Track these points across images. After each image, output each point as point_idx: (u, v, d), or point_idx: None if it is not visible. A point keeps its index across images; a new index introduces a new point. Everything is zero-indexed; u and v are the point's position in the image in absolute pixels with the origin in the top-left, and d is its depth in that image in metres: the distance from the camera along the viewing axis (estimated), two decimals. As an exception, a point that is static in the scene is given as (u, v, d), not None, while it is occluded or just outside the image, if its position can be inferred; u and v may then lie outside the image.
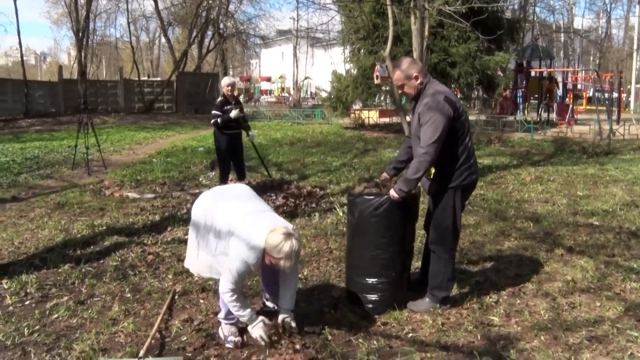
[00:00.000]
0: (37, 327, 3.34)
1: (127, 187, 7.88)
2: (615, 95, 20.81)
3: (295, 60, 36.67)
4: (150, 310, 3.56)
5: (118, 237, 5.24)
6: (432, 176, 3.39)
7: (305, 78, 36.87)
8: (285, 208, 6.10)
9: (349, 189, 6.86)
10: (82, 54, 24.22)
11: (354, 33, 17.37)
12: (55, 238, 5.26)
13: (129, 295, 3.85)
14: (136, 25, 40.49)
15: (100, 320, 3.43)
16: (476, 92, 19.01)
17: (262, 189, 6.53)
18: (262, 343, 2.95)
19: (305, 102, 33.83)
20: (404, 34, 13.79)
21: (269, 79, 43.38)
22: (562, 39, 41.02)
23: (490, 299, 3.67)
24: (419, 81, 3.35)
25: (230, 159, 7.10)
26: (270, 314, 3.21)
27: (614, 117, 17.01)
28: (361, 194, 3.48)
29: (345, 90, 17.36)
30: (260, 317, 3.00)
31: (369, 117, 18.90)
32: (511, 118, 16.88)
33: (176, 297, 3.80)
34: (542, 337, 3.13)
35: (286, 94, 38.75)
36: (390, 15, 8.86)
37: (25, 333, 3.26)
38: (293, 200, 6.33)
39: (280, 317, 3.07)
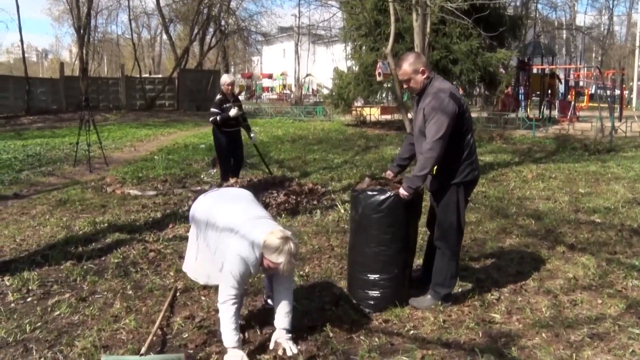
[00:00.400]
0: (38, 324, 3.34)
1: (128, 184, 7.89)
2: (617, 92, 20.78)
3: (297, 57, 36.64)
4: (151, 307, 3.57)
5: (120, 234, 5.24)
6: (434, 172, 3.37)
7: (307, 75, 36.85)
8: (286, 205, 6.09)
9: (350, 186, 6.85)
10: (84, 51, 24.30)
11: (356, 30, 17.33)
12: (57, 235, 5.26)
13: (130, 292, 3.86)
14: (137, 22, 40.61)
15: (101, 317, 3.43)
16: (478, 89, 18.97)
17: (264, 187, 6.52)
18: None
19: (306, 99, 33.83)
20: (406, 30, 13.76)
21: (270, 76, 43.29)
22: (564, 36, 40.82)
23: (492, 296, 3.67)
24: (425, 75, 3.33)
25: (231, 157, 7.10)
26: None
27: (616, 114, 17.00)
28: (364, 190, 3.47)
29: (346, 87, 17.35)
30: (242, 353, 2.80)
31: (370, 114, 18.86)
32: (513, 115, 16.82)
33: (177, 294, 3.80)
34: (543, 335, 3.13)
35: (288, 91, 38.68)
36: (392, 12, 8.84)
37: (27, 330, 3.26)
38: (294, 197, 6.32)
39: (274, 338, 2.95)
